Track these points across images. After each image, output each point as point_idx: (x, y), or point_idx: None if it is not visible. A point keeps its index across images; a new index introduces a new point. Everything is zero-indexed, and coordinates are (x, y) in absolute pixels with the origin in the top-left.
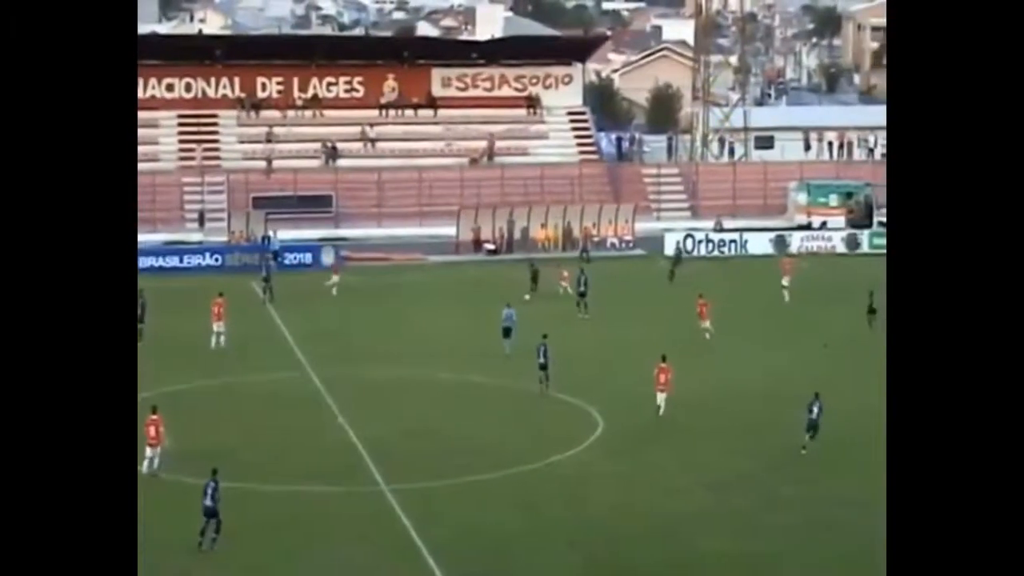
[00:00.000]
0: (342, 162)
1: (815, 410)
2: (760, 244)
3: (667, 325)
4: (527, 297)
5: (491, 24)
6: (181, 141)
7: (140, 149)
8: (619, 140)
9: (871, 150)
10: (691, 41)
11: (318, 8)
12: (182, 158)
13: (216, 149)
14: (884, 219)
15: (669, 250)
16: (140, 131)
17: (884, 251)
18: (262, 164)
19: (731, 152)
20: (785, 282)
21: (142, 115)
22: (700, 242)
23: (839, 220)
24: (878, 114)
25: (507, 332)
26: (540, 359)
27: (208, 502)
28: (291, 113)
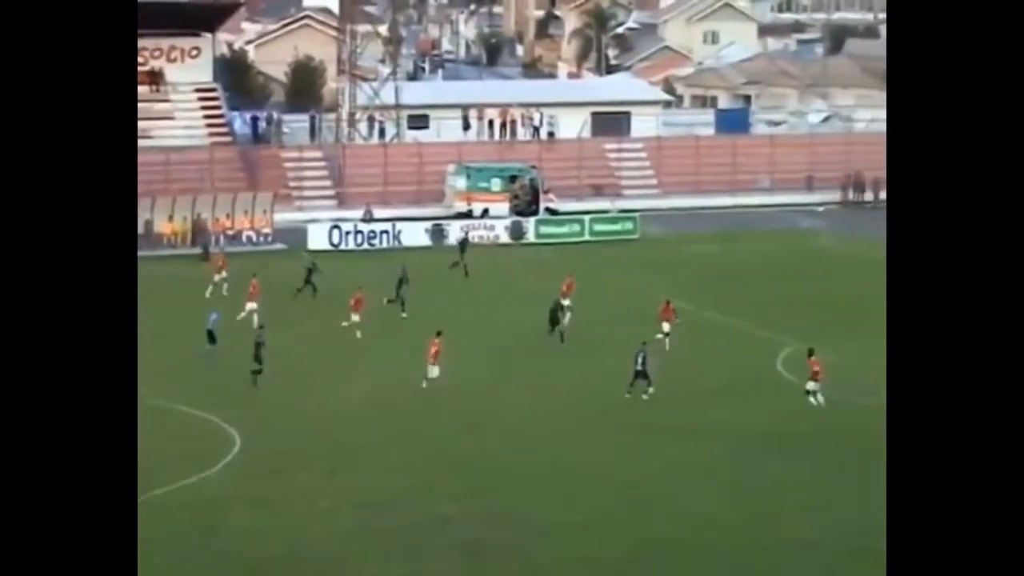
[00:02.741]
0: None
1: (640, 359)
2: (415, 235)
3: (318, 326)
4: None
5: None
6: None
7: None
8: (255, 120)
9: (536, 129)
10: (335, 9)
11: None
12: None
13: None
14: (551, 205)
15: (315, 243)
16: None
17: (552, 240)
18: None
19: (381, 132)
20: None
21: None
22: (348, 234)
23: (502, 207)
24: (543, 89)
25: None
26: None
27: None
28: None
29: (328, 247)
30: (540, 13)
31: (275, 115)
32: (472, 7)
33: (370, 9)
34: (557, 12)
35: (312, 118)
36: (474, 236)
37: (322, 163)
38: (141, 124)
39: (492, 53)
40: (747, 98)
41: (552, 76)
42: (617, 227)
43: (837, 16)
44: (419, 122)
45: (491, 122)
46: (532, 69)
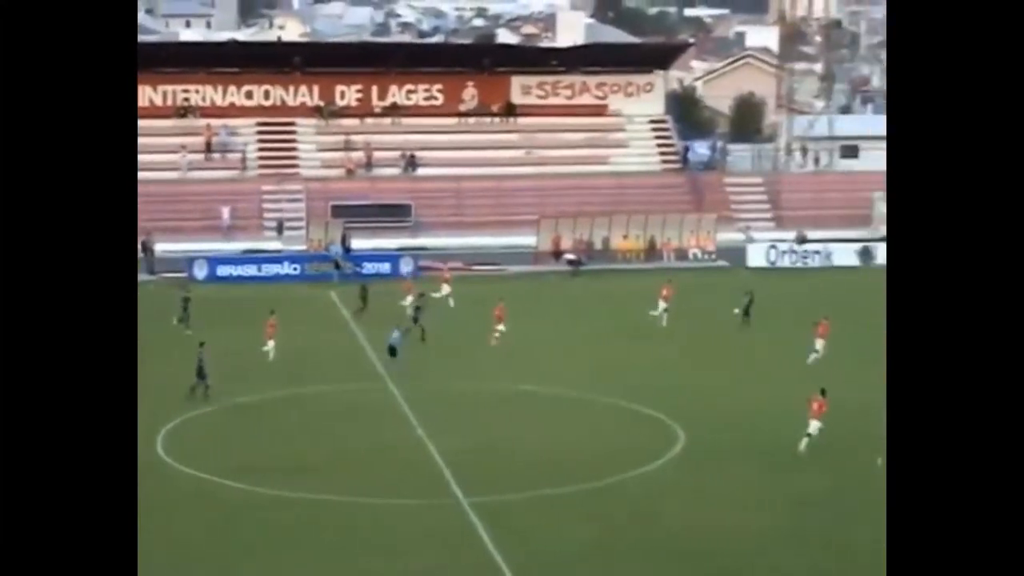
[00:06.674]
0: (422, 171)
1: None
2: (845, 256)
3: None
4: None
5: (572, 31)
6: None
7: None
8: (713, 147)
9: None
10: (775, 48)
11: (397, 16)
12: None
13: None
14: None
15: (754, 262)
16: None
17: None
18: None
19: (816, 161)
20: (662, 305)
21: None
22: (784, 253)
23: None
24: None
25: (392, 351)
26: None
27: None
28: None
29: (765, 265)
30: None
31: (720, 144)
32: None
33: (806, 49)
34: None
35: (754, 148)
36: None
37: (761, 189)
38: (600, 152)
39: None
40: None
41: None
42: None
43: None
44: (850, 152)
45: None
46: None
